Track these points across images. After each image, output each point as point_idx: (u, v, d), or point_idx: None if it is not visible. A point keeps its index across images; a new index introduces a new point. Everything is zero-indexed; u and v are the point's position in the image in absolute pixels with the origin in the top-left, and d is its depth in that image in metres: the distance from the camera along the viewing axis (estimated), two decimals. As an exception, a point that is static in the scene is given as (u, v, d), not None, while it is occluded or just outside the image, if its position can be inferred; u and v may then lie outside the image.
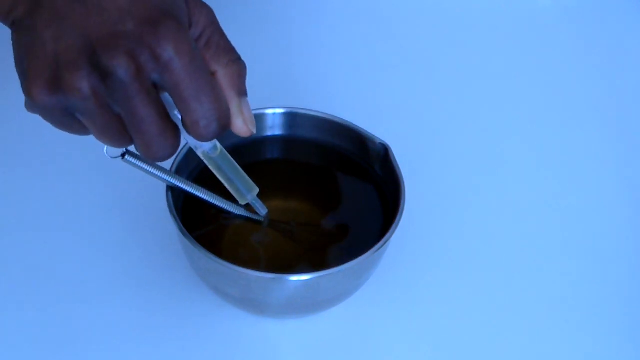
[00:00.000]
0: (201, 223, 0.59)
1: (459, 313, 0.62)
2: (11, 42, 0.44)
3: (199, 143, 0.50)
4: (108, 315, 0.60)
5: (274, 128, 0.63)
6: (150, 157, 0.45)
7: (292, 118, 0.63)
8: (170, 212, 0.55)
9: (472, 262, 0.65)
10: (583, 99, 0.80)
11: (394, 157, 0.59)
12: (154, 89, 0.43)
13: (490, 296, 0.63)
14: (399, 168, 0.59)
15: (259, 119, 0.62)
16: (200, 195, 0.56)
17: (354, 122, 0.62)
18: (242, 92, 0.47)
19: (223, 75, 0.46)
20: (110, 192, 0.68)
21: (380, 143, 0.60)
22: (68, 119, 0.44)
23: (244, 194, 0.54)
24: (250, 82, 0.77)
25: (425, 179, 0.69)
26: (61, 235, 0.65)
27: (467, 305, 0.63)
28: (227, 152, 0.52)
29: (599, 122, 0.77)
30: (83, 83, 0.41)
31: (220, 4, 0.85)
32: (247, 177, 0.54)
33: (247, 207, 0.59)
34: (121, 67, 0.41)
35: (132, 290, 0.62)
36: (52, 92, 0.42)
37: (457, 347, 0.60)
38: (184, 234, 0.54)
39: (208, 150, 0.50)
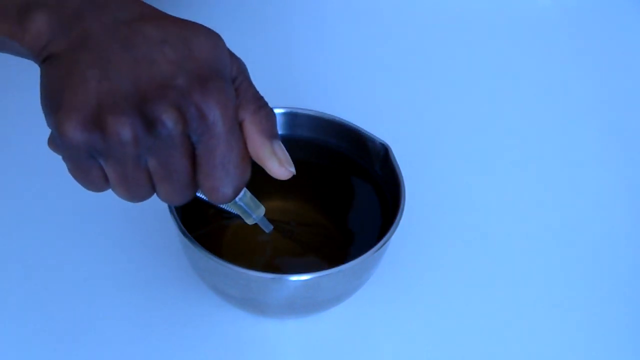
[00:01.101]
0: (201, 223, 0.59)
1: (458, 313, 0.62)
2: (40, 75, 0.43)
3: None
4: (108, 315, 0.60)
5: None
6: (168, 202, 0.46)
7: (292, 118, 0.63)
8: (170, 212, 0.55)
9: (472, 262, 0.66)
10: (583, 99, 0.80)
11: (394, 157, 0.59)
12: (191, 145, 0.43)
13: (490, 296, 0.63)
14: (398, 168, 0.59)
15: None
16: (201, 195, 0.56)
17: (354, 122, 0.62)
18: (273, 136, 0.46)
19: (251, 122, 0.46)
20: (110, 191, 0.68)
21: (380, 143, 0.60)
22: (90, 164, 0.43)
23: (250, 214, 0.53)
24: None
25: (425, 179, 0.69)
26: (61, 235, 0.65)
27: (467, 305, 0.63)
28: None
29: (599, 122, 0.77)
30: (125, 128, 0.41)
31: (220, 4, 0.85)
32: (253, 198, 0.53)
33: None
34: (170, 119, 0.41)
35: (132, 290, 0.62)
36: (88, 130, 0.41)
37: (457, 346, 0.61)
38: (184, 234, 0.54)
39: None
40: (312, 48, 0.82)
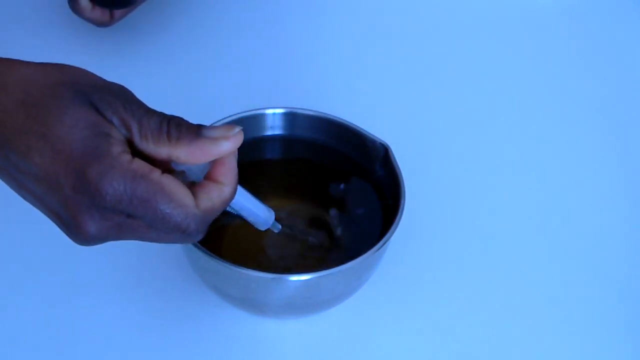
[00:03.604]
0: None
1: (459, 313, 0.62)
2: None
3: None
4: (108, 315, 0.60)
5: (274, 128, 0.63)
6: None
7: (292, 118, 0.63)
8: (170, 212, 0.55)
9: (472, 261, 0.65)
10: (583, 99, 0.80)
11: (394, 157, 0.59)
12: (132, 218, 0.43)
13: (490, 296, 0.63)
14: (398, 168, 0.59)
15: (259, 119, 0.62)
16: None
17: (354, 122, 0.62)
18: (194, 130, 0.44)
19: (174, 147, 0.44)
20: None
21: (380, 143, 0.60)
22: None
23: (262, 223, 0.52)
24: (250, 82, 0.77)
25: (425, 179, 0.69)
26: (61, 235, 0.65)
27: (467, 304, 0.63)
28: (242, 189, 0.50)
29: (599, 122, 0.77)
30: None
31: (220, 4, 0.85)
32: (262, 205, 0.52)
33: None
34: (90, 236, 0.43)
35: (132, 290, 0.62)
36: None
37: (457, 346, 0.60)
38: (184, 234, 0.54)
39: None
40: (312, 48, 0.82)
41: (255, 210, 0.50)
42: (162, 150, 0.43)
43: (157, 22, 0.82)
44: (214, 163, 0.45)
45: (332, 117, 0.62)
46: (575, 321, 0.63)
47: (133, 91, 0.45)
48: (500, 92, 0.80)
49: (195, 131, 0.44)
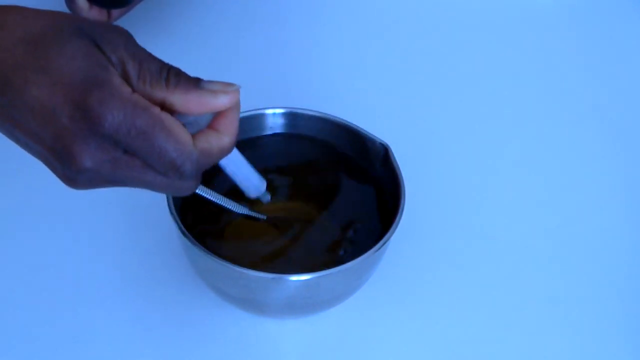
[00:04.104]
0: (201, 222, 0.59)
1: (459, 313, 0.62)
2: None
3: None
4: (108, 315, 0.60)
5: (274, 128, 0.63)
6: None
7: (292, 118, 0.63)
8: (170, 212, 0.55)
9: (472, 262, 0.65)
10: (583, 99, 0.80)
11: (394, 157, 0.59)
12: (132, 155, 0.42)
13: (490, 296, 0.63)
14: (398, 168, 0.59)
15: (259, 119, 0.62)
16: (201, 193, 0.56)
17: (354, 122, 0.62)
18: (194, 82, 0.44)
19: (171, 93, 0.44)
20: (110, 191, 0.67)
21: (380, 143, 0.60)
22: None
23: (253, 189, 0.53)
24: (250, 82, 0.77)
25: (425, 179, 0.69)
26: (61, 235, 0.65)
27: (467, 305, 0.63)
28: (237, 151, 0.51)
29: (598, 122, 0.77)
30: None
31: (220, 4, 0.85)
32: (256, 173, 0.53)
33: (249, 205, 0.59)
34: (87, 160, 0.41)
35: (132, 290, 0.62)
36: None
37: (457, 346, 0.60)
38: (184, 234, 0.54)
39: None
40: (312, 48, 0.82)
41: (249, 175, 0.52)
42: (158, 94, 0.43)
43: (155, 22, 0.82)
44: (215, 115, 0.45)
45: (332, 117, 0.62)
46: (575, 321, 0.63)
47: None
48: (500, 92, 0.80)
49: (194, 82, 0.44)
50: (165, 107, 0.43)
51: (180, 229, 0.54)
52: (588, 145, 0.75)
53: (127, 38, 0.44)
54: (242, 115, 0.61)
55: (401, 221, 0.56)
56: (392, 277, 0.63)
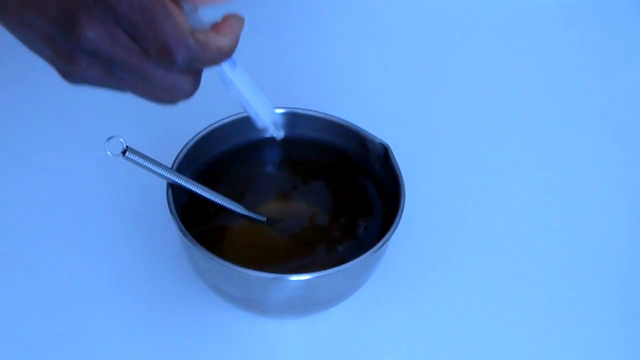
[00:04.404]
0: (201, 222, 0.59)
1: (458, 313, 0.62)
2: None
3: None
4: (108, 315, 0.60)
5: (274, 128, 0.63)
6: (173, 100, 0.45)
7: (292, 118, 0.63)
8: (170, 212, 0.55)
9: (472, 262, 0.66)
10: (583, 99, 0.80)
11: (394, 158, 0.59)
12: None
13: (490, 296, 0.63)
14: (399, 168, 0.59)
15: (259, 119, 0.62)
16: (201, 193, 0.56)
17: (354, 122, 0.62)
18: None
19: None
20: (110, 191, 0.68)
21: (380, 143, 0.60)
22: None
23: (262, 116, 0.53)
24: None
25: (425, 179, 0.69)
26: (61, 235, 0.65)
27: (467, 304, 0.63)
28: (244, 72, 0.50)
29: (598, 122, 0.77)
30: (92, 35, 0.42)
31: (220, 4, 0.85)
32: (265, 98, 0.53)
33: (247, 206, 0.59)
34: (89, 31, 0.41)
35: (132, 290, 0.62)
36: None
37: (457, 346, 0.61)
38: (184, 234, 0.54)
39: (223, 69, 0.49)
40: (312, 48, 0.82)
41: (258, 97, 0.51)
42: None
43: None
44: (217, 22, 0.46)
45: (332, 118, 0.62)
46: (575, 321, 0.63)
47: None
48: (500, 92, 0.80)
49: None
50: None
51: (180, 229, 0.54)
52: (588, 146, 0.75)
53: None
54: (242, 115, 0.61)
55: (401, 221, 0.56)
56: (392, 277, 0.63)
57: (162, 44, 0.42)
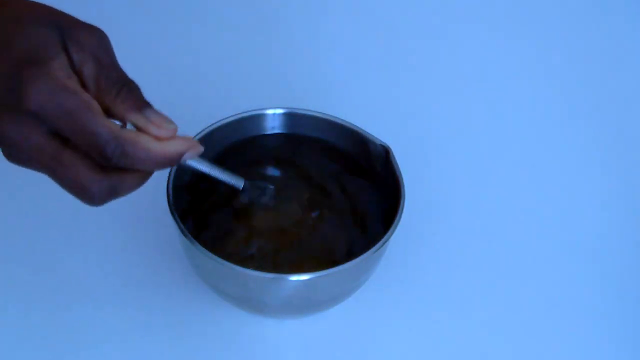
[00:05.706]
0: (201, 223, 0.59)
1: (458, 313, 0.62)
2: None
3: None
4: (108, 315, 0.60)
5: (274, 128, 0.63)
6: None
7: (292, 118, 0.63)
8: (171, 212, 0.55)
9: (472, 262, 0.66)
10: (584, 99, 0.80)
11: (395, 159, 0.59)
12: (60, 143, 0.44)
13: (490, 296, 0.64)
14: (399, 169, 0.59)
15: (260, 119, 0.62)
16: (196, 166, 0.52)
17: (354, 123, 0.62)
18: (140, 107, 0.46)
19: (118, 104, 0.45)
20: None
21: (380, 145, 0.60)
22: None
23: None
24: (250, 82, 0.77)
25: (425, 180, 0.69)
26: (61, 235, 0.65)
27: (467, 305, 0.63)
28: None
29: (599, 123, 0.77)
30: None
31: (220, 4, 0.85)
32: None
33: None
34: (11, 132, 0.43)
35: (131, 290, 0.62)
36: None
37: (457, 347, 0.61)
38: (184, 234, 0.54)
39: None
40: (312, 47, 0.82)
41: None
42: (106, 100, 0.45)
43: (155, 21, 0.82)
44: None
45: (333, 118, 0.62)
46: (575, 321, 0.63)
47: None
48: (500, 93, 0.80)
49: (140, 105, 0.46)
50: (109, 114, 0.45)
51: (180, 229, 0.54)
52: (588, 146, 0.75)
53: (100, 42, 0.46)
54: (242, 115, 0.61)
55: (401, 221, 0.56)
56: (391, 277, 0.63)
57: (91, 142, 0.43)
